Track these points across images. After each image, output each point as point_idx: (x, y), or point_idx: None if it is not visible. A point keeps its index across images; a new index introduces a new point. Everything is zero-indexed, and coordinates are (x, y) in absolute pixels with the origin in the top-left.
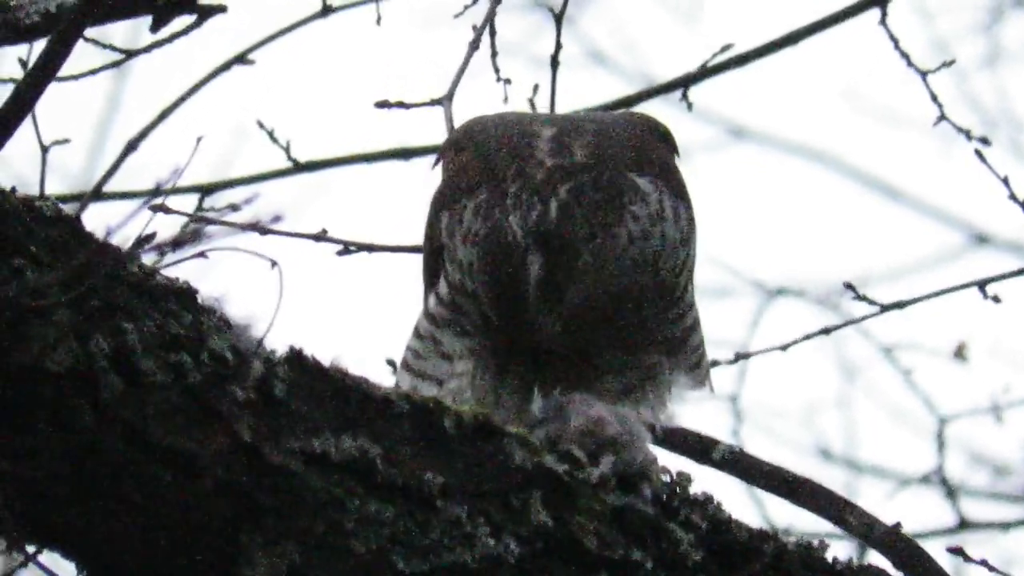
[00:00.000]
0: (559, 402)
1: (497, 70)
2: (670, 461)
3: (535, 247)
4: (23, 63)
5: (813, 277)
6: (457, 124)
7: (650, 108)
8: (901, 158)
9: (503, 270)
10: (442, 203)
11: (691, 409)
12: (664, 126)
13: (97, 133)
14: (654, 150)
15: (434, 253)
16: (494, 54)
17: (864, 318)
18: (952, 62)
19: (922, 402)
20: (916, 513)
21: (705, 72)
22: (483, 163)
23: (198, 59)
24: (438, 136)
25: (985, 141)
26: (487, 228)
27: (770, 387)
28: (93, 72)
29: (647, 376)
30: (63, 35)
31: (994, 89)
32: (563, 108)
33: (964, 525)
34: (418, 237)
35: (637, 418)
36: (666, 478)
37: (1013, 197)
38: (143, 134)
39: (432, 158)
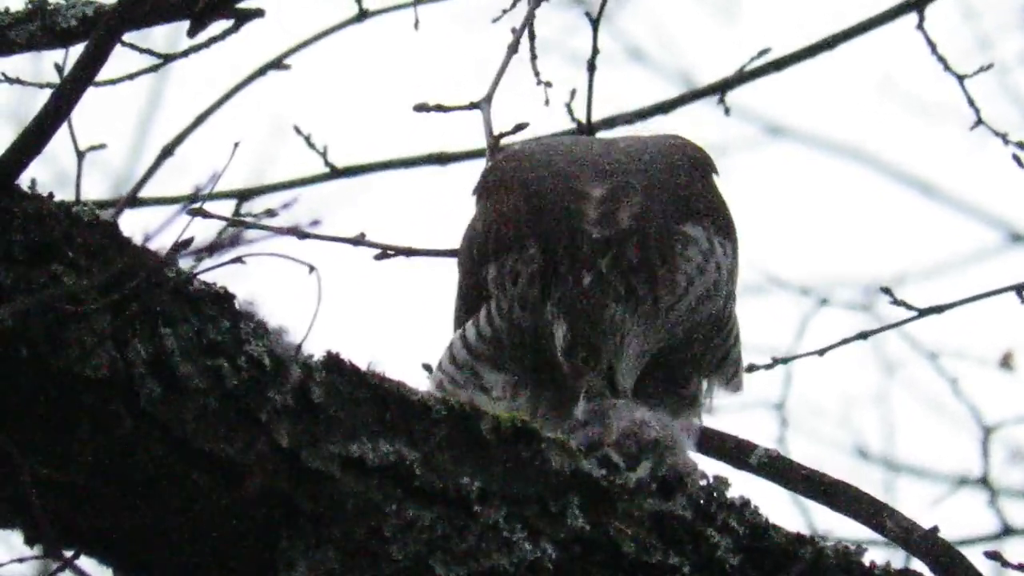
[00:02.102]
0: (602, 406)
1: (537, 73)
2: (708, 466)
3: (560, 316)
4: (59, 68)
5: (851, 275)
6: (496, 128)
7: (688, 111)
8: (937, 155)
9: (599, 343)
10: (486, 250)
11: (732, 414)
12: (701, 152)
13: (136, 136)
14: (696, 192)
15: (477, 290)
16: (534, 57)
17: (902, 322)
18: (990, 66)
19: (968, 410)
20: (958, 518)
21: (743, 76)
22: (532, 218)
23: (235, 63)
24: (477, 140)
25: (1022, 145)
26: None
27: (807, 388)
28: (131, 77)
29: (691, 400)
30: (101, 40)
31: None
32: (600, 113)
33: (1008, 531)
34: (455, 242)
35: (678, 424)
36: (704, 483)
37: None
38: (179, 139)
39: (470, 164)
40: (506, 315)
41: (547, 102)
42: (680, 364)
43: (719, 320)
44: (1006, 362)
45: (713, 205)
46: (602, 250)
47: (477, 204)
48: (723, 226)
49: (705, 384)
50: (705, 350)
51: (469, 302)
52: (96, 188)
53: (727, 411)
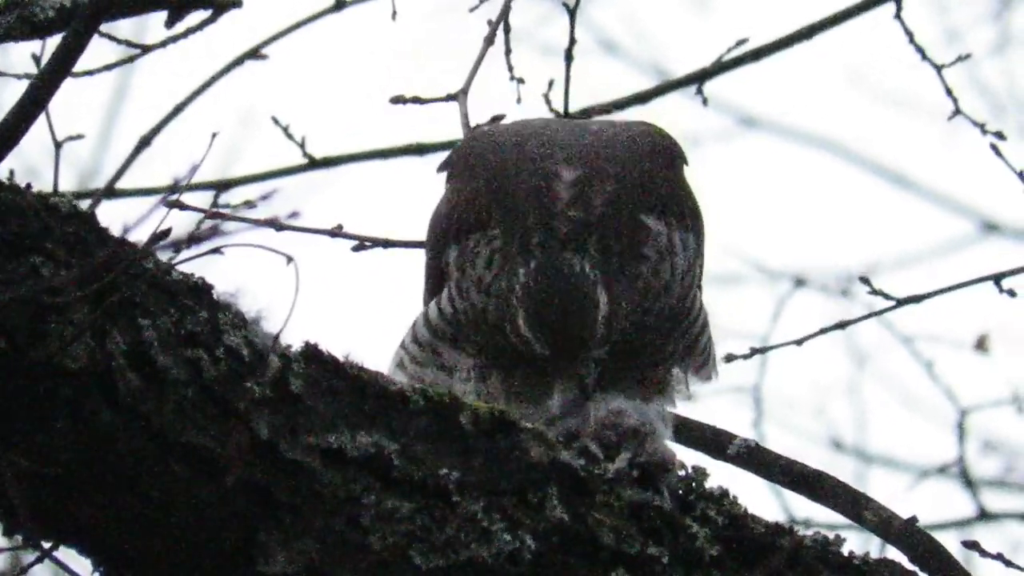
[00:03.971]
0: (578, 397)
1: (511, 68)
2: (686, 456)
3: (602, 285)
4: (36, 59)
5: (824, 265)
6: (472, 120)
7: (665, 102)
8: (909, 145)
9: (570, 308)
10: (448, 232)
11: (707, 401)
12: (670, 140)
13: (104, 127)
14: (663, 180)
15: (439, 270)
16: (508, 51)
17: (880, 312)
18: (968, 56)
19: (943, 393)
20: (935, 504)
21: (720, 67)
22: (497, 201)
23: (204, 53)
24: (454, 131)
25: (1000, 136)
26: (550, 268)
27: (782, 377)
28: (108, 68)
29: (660, 388)
30: (78, 31)
31: (1003, 76)
32: (577, 103)
33: (984, 516)
34: None
35: (656, 413)
36: (682, 473)
37: None
38: (156, 130)
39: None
40: (466, 297)
41: (519, 100)
42: (639, 353)
43: (678, 313)
44: (981, 345)
45: (679, 195)
46: (579, 231)
47: (445, 184)
48: (687, 217)
49: (677, 371)
50: (666, 341)
51: (433, 282)
52: (63, 180)
53: (702, 398)
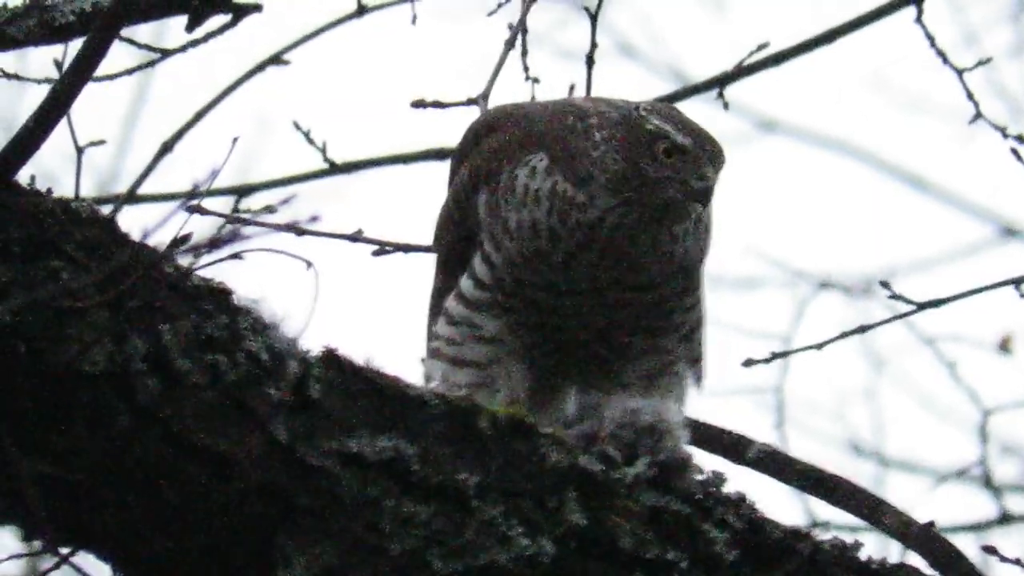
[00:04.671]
0: (595, 401)
1: (526, 69)
2: (705, 460)
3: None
4: (58, 64)
5: (844, 268)
6: None
7: (686, 105)
8: (929, 149)
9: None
10: (475, 184)
11: (728, 405)
12: None
13: (124, 132)
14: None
15: (462, 239)
16: (524, 53)
17: (900, 316)
18: (989, 60)
19: (966, 394)
20: (954, 507)
21: (741, 71)
22: (530, 135)
23: (224, 58)
24: None
25: (1021, 139)
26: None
27: (803, 380)
28: (129, 72)
29: (665, 364)
30: (100, 35)
31: (1022, 78)
32: None
33: (1006, 518)
34: None
35: (672, 412)
36: (701, 477)
37: None
38: (178, 135)
39: None
40: (520, 231)
41: (533, 100)
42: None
43: (693, 273)
44: (1004, 345)
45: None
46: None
47: (460, 165)
48: None
49: (680, 357)
50: (676, 306)
51: (458, 255)
52: (84, 185)
53: (720, 402)
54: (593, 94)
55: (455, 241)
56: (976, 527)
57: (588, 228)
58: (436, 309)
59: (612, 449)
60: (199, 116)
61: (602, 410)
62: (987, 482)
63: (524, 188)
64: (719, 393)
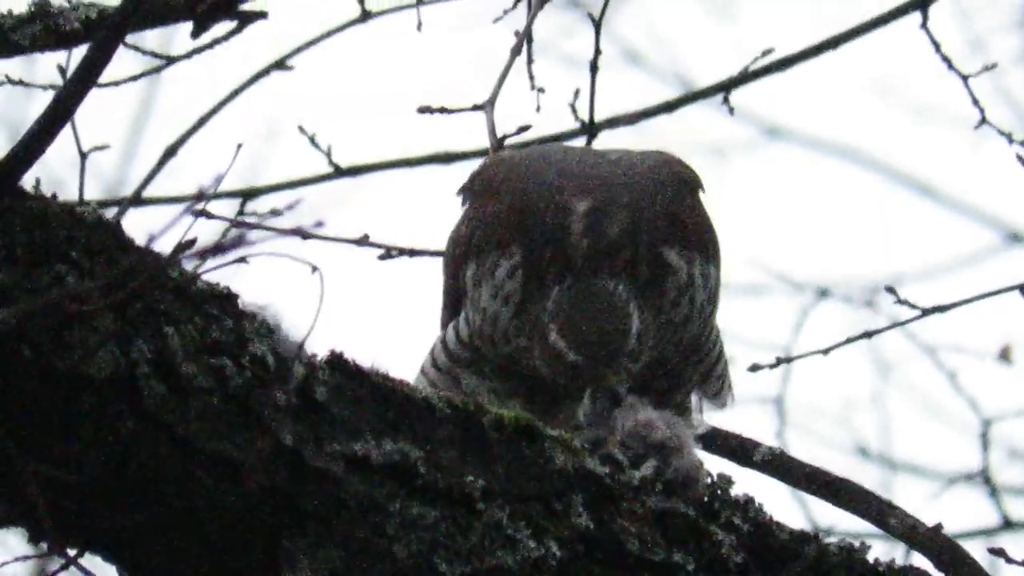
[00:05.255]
0: (606, 407)
1: (532, 77)
2: (712, 463)
3: (634, 302)
4: (62, 70)
5: (849, 275)
6: (499, 130)
7: (690, 112)
8: (935, 155)
9: (605, 319)
10: (467, 250)
11: (734, 412)
12: (688, 169)
13: (130, 138)
14: (684, 210)
15: (456, 292)
16: (530, 61)
17: (906, 321)
18: (994, 65)
19: (967, 403)
20: (958, 513)
21: (746, 76)
22: (517, 226)
23: (230, 64)
24: (480, 141)
25: None
26: (583, 285)
27: (807, 385)
28: (135, 78)
29: (678, 412)
30: (104, 42)
31: None
32: (602, 113)
33: (1008, 525)
34: None
35: (684, 423)
36: (708, 480)
37: None
38: (183, 140)
39: (473, 164)
40: (485, 315)
41: (538, 109)
42: (658, 381)
43: (696, 340)
44: (1005, 355)
45: (699, 226)
46: (594, 258)
47: (462, 205)
48: (708, 247)
49: (694, 398)
50: (684, 367)
51: (451, 305)
52: (89, 191)
53: (726, 408)
54: (597, 102)
55: (451, 281)
56: (980, 533)
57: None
58: (443, 327)
59: (619, 452)
60: (203, 120)
61: (614, 419)
62: (990, 489)
63: (500, 284)
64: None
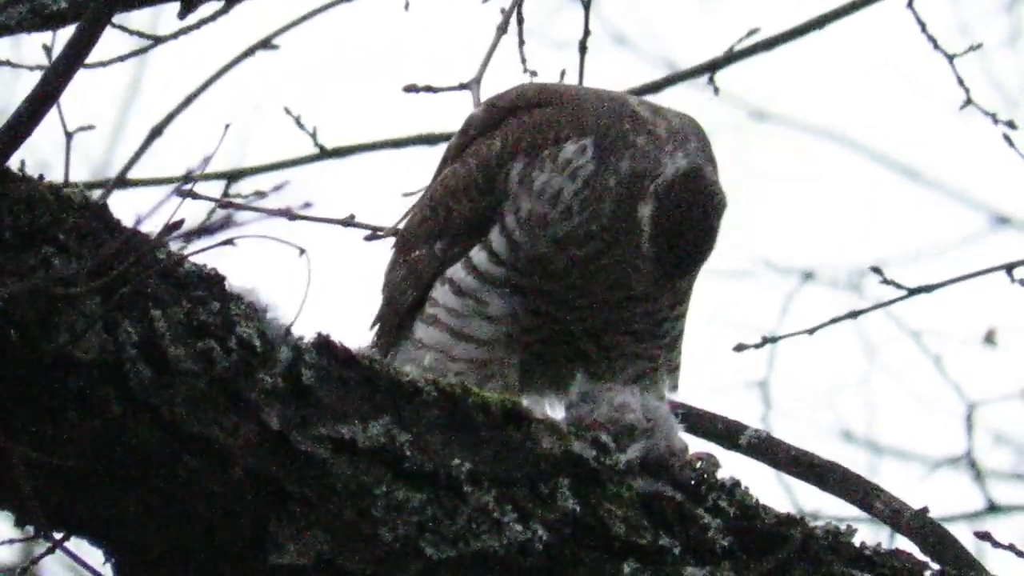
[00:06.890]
0: (595, 388)
1: (524, 59)
2: (698, 447)
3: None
4: (47, 50)
5: (836, 258)
6: None
7: (676, 92)
8: (921, 138)
9: (698, 200)
10: (514, 151)
11: (719, 396)
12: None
13: (117, 119)
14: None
15: (481, 210)
16: (521, 43)
17: (892, 302)
18: (979, 46)
19: (952, 387)
20: (946, 497)
21: (732, 56)
22: (581, 119)
23: (216, 44)
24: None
25: (1012, 125)
26: (685, 162)
27: (793, 370)
28: (122, 59)
29: (648, 369)
30: (92, 22)
31: (1016, 69)
32: None
33: (993, 508)
34: None
35: (665, 407)
36: (690, 464)
37: None
38: (168, 120)
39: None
40: (543, 196)
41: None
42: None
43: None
44: (989, 338)
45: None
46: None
47: (475, 132)
48: None
49: (663, 362)
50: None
51: (480, 223)
52: (75, 171)
53: (710, 391)
54: (585, 83)
55: (473, 210)
56: (965, 517)
57: (595, 229)
58: (419, 278)
59: (605, 435)
60: (189, 100)
61: (599, 400)
62: (975, 473)
63: (566, 161)
64: (710, 381)
